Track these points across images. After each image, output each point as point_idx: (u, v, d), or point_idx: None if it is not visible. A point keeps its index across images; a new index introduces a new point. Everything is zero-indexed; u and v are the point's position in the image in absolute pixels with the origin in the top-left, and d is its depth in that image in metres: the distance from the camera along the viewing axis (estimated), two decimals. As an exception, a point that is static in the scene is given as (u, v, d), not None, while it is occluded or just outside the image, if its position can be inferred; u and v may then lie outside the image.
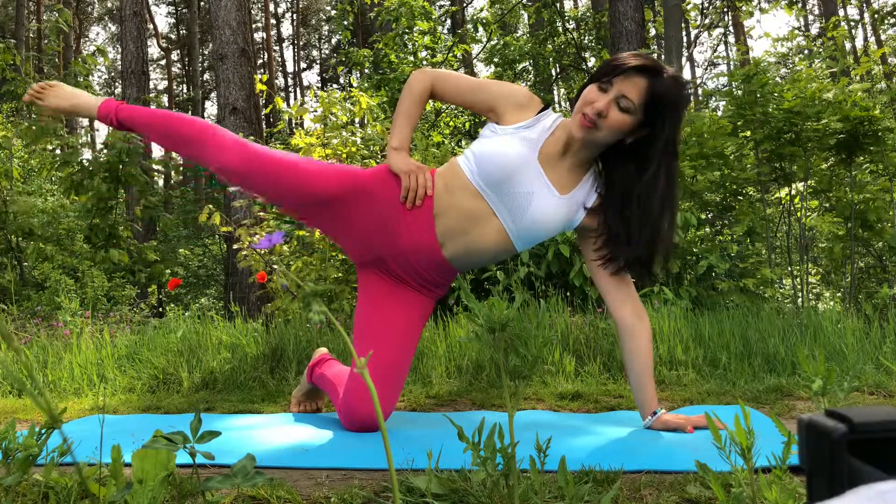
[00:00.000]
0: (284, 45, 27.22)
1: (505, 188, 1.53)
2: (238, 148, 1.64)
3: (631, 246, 1.55)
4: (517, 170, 1.52)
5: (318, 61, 28.45)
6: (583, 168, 1.59)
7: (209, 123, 1.74)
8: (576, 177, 1.58)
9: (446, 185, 1.58)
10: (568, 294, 3.56)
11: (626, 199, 1.55)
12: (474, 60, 11.76)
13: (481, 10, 10.09)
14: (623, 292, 1.61)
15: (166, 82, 24.81)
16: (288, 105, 4.53)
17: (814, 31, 18.99)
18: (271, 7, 24.93)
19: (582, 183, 1.58)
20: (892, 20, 15.08)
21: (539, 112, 1.59)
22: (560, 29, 9.57)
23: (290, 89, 27.06)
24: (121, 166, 5.21)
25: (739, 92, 3.94)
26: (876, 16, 14.77)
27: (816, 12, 19.35)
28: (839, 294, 4.86)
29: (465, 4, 12.80)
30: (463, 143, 8.35)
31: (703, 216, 4.11)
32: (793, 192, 4.14)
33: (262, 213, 4.11)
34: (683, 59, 6.84)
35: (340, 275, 3.59)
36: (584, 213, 1.59)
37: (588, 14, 10.50)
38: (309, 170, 1.62)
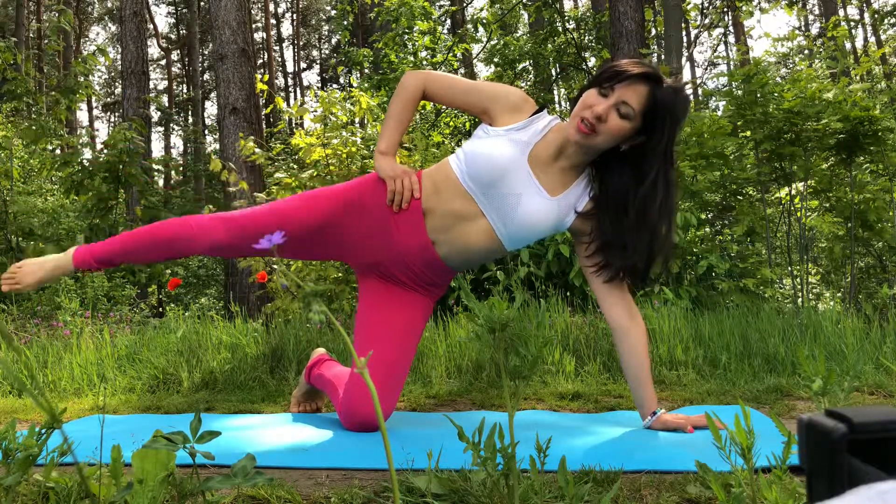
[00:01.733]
0: (284, 45, 27.22)
1: (494, 189, 1.53)
2: (220, 224, 1.65)
3: (627, 254, 1.55)
4: (506, 171, 1.52)
5: (318, 61, 28.46)
6: (575, 171, 1.59)
7: (180, 218, 1.73)
8: (567, 179, 1.58)
9: (435, 184, 1.59)
10: (568, 294, 3.56)
11: (622, 206, 1.54)
12: (474, 60, 11.76)
13: (481, 10, 10.09)
14: (616, 293, 1.61)
15: (166, 82, 24.82)
16: (288, 105, 4.53)
17: (814, 31, 18.99)
18: (271, 7, 24.94)
19: (574, 186, 1.58)
20: (892, 20, 15.08)
21: (533, 114, 1.59)
22: (560, 29, 9.57)
23: (290, 89, 27.07)
24: (121, 166, 5.21)
25: (739, 92, 3.94)
26: (876, 16, 14.77)
27: (816, 12, 19.36)
28: (839, 294, 4.86)
29: (465, 4, 12.80)
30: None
31: (703, 216, 4.11)
32: (793, 192, 4.14)
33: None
34: (683, 59, 6.85)
35: (340, 275, 3.60)
36: (574, 215, 1.59)
37: (588, 14, 10.50)
38: (293, 207, 1.64)
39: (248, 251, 1.70)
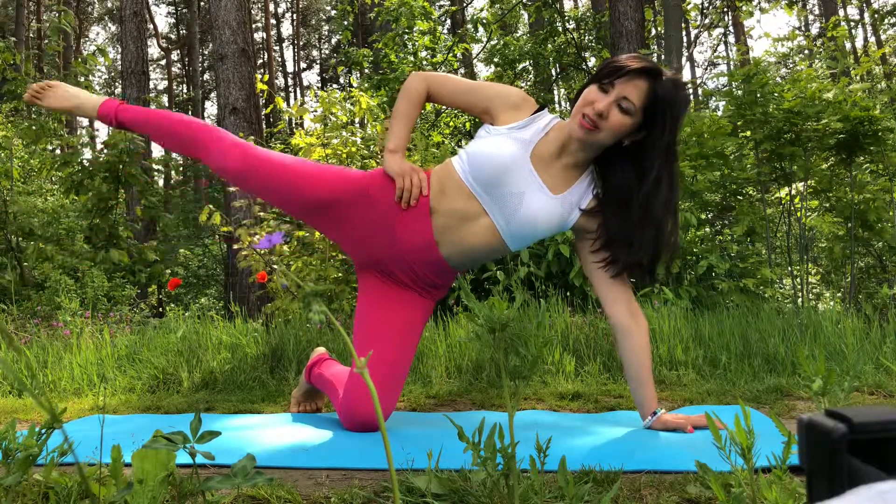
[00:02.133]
0: (284, 45, 27.22)
1: (497, 188, 1.53)
2: (238, 150, 1.67)
3: (634, 249, 1.55)
4: (509, 170, 1.52)
5: (318, 61, 28.46)
6: (578, 169, 1.59)
7: (209, 125, 1.75)
8: (570, 177, 1.58)
9: (441, 184, 1.59)
10: (568, 294, 3.56)
11: (626, 202, 1.55)
12: (474, 60, 11.76)
13: (481, 10, 10.08)
14: (618, 292, 1.61)
15: (166, 82, 24.82)
16: (288, 105, 4.53)
17: (814, 31, 18.99)
18: (271, 7, 24.94)
19: (577, 184, 1.58)
20: (893, 20, 15.08)
21: (534, 113, 1.59)
22: (560, 29, 9.57)
23: (290, 89, 27.07)
24: (121, 166, 5.21)
25: (739, 92, 3.94)
26: (876, 16, 14.77)
27: (816, 12, 19.35)
28: (839, 294, 4.86)
29: (465, 4, 12.80)
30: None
31: (703, 216, 4.11)
32: (793, 192, 4.14)
33: (262, 213, 4.11)
34: (683, 59, 6.85)
35: (340, 275, 3.59)
36: (578, 213, 1.59)
37: (588, 14, 10.50)
38: (307, 173, 1.64)
39: (248, 188, 1.71)
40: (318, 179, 1.64)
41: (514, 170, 1.53)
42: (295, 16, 27.05)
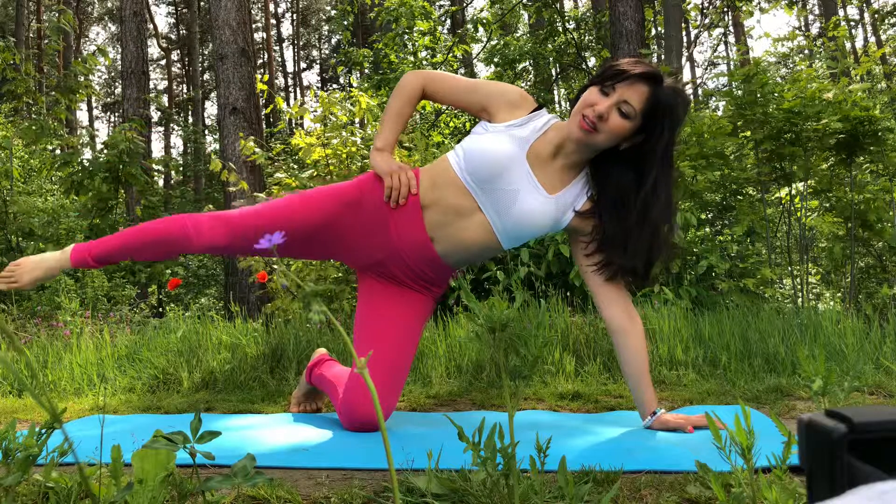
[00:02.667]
0: (284, 45, 27.22)
1: (491, 185, 1.53)
2: (218, 224, 1.64)
3: (628, 254, 1.55)
4: (505, 167, 1.52)
5: (318, 61, 28.46)
6: (574, 170, 1.59)
7: (179, 216, 1.72)
8: (566, 178, 1.58)
9: (433, 180, 1.59)
10: (568, 294, 3.56)
11: (622, 206, 1.54)
12: (474, 60, 11.76)
13: (481, 10, 10.08)
14: (613, 293, 1.61)
15: (166, 82, 24.82)
16: (288, 105, 4.53)
17: (814, 31, 18.99)
18: (271, 7, 24.93)
19: (572, 185, 1.58)
20: (893, 20, 15.08)
21: (532, 112, 1.59)
22: (560, 29, 9.57)
23: (290, 89, 27.07)
24: (121, 166, 5.21)
25: (739, 92, 3.94)
26: (876, 16, 14.77)
27: (816, 12, 19.35)
28: (839, 294, 4.86)
29: (465, 4, 12.80)
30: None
31: (703, 216, 4.11)
32: (793, 192, 4.14)
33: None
34: (683, 59, 6.84)
35: (340, 275, 3.59)
36: (572, 214, 1.59)
37: (588, 14, 10.50)
38: (292, 207, 1.63)
39: (246, 251, 1.70)
40: (307, 206, 1.63)
41: (510, 167, 1.53)
42: (295, 16, 27.05)
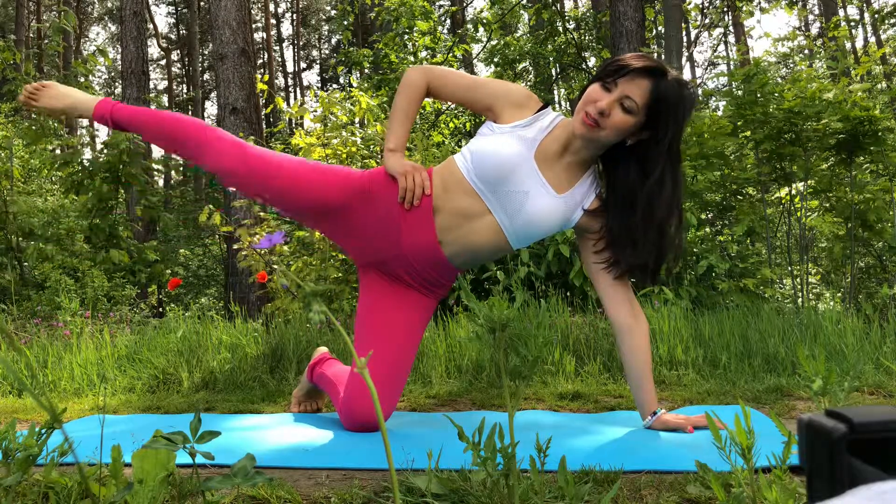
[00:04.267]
0: (284, 45, 27.22)
1: (500, 187, 1.52)
2: (237, 150, 1.63)
3: (637, 251, 1.54)
4: (513, 168, 1.52)
5: (318, 61, 28.46)
6: (581, 168, 1.58)
7: (207, 124, 1.72)
8: (573, 176, 1.57)
9: (443, 183, 1.58)
10: (568, 294, 3.56)
11: (630, 202, 1.54)
12: (474, 60, 11.76)
13: (481, 10, 10.08)
14: (620, 293, 1.61)
15: (166, 82, 24.82)
16: (288, 105, 4.53)
17: (814, 31, 18.99)
18: (271, 7, 24.93)
19: (580, 183, 1.58)
20: (893, 20, 15.07)
21: (537, 111, 1.58)
22: (560, 29, 9.57)
23: (290, 89, 27.07)
24: (121, 166, 5.21)
25: (739, 92, 3.93)
26: (876, 16, 14.77)
27: (816, 12, 19.35)
28: (839, 294, 4.86)
29: (465, 4, 12.80)
30: (463, 142, 8.35)
31: (703, 216, 4.11)
32: (793, 192, 4.14)
33: (262, 213, 4.11)
34: (683, 59, 6.84)
35: (340, 275, 3.59)
36: (581, 212, 1.58)
37: (588, 14, 10.50)
38: (307, 175, 1.61)
39: (246, 189, 1.66)
40: (320, 181, 1.61)
41: (518, 168, 1.52)
42: (295, 16, 27.05)
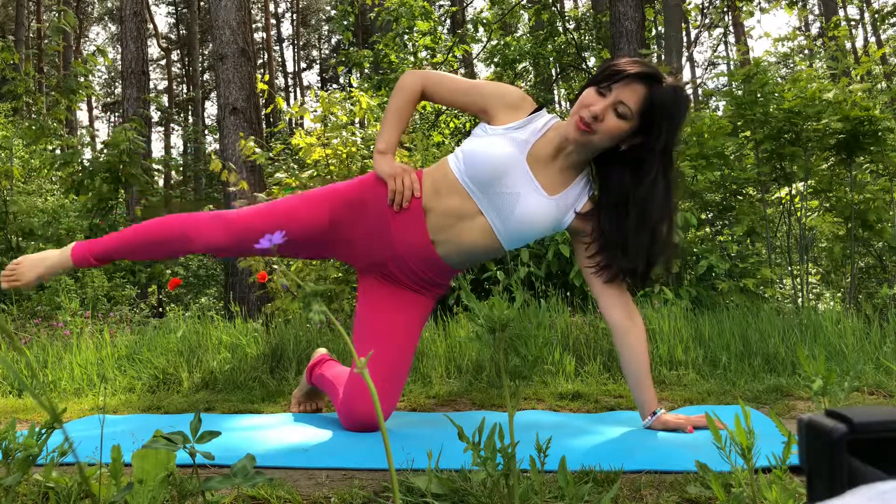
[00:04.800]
0: (284, 45, 27.22)
1: (492, 188, 1.53)
2: (219, 223, 1.64)
3: (628, 256, 1.54)
4: (505, 170, 1.52)
5: (318, 61, 28.46)
6: (574, 171, 1.58)
7: (179, 216, 1.72)
8: (566, 179, 1.57)
9: (434, 183, 1.58)
10: (568, 294, 3.56)
11: (622, 206, 1.54)
12: (474, 60, 11.76)
13: (481, 11, 10.08)
14: (615, 293, 1.61)
15: (166, 82, 24.82)
16: (288, 105, 4.53)
17: (814, 31, 18.99)
18: (271, 7, 24.93)
19: (573, 185, 1.58)
20: (893, 20, 15.07)
21: (532, 113, 1.59)
22: (560, 29, 9.57)
23: (290, 89, 27.07)
24: (121, 166, 5.21)
25: (739, 92, 3.93)
26: (876, 16, 14.77)
27: (816, 12, 19.35)
28: (839, 294, 4.86)
29: (465, 5, 12.80)
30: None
31: (703, 216, 4.11)
32: (793, 192, 4.14)
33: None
34: (683, 59, 6.85)
35: (340, 275, 3.59)
36: (573, 215, 1.58)
37: (588, 14, 10.50)
38: (293, 207, 1.63)
39: (247, 252, 1.70)
40: (308, 207, 1.63)
41: (510, 170, 1.52)
42: (295, 16, 27.05)
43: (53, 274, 1.80)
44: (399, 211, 1.57)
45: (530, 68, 11.42)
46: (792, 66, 16.09)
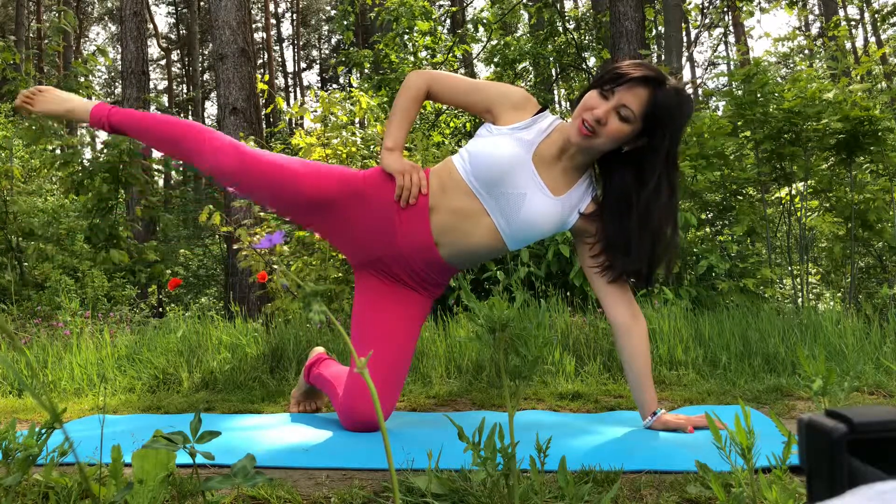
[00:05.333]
0: (284, 45, 27.22)
1: (498, 188, 1.53)
2: (233, 150, 1.64)
3: (630, 257, 1.55)
4: (511, 170, 1.52)
5: (318, 61, 28.46)
6: (578, 171, 1.59)
7: (203, 126, 1.72)
8: (570, 179, 1.58)
9: (441, 183, 1.58)
10: (568, 294, 3.56)
11: (625, 208, 1.54)
12: (474, 60, 11.76)
13: (481, 10, 10.08)
14: (618, 293, 1.61)
15: (166, 82, 24.82)
16: (288, 105, 4.53)
17: (814, 31, 18.99)
18: (271, 7, 24.93)
19: (576, 186, 1.58)
20: (893, 20, 15.07)
21: (536, 113, 1.59)
22: (560, 29, 9.57)
23: (290, 89, 27.06)
24: (121, 166, 5.21)
25: (739, 92, 3.93)
26: (876, 16, 14.77)
27: (816, 12, 19.35)
28: (839, 294, 4.86)
29: (465, 4, 12.80)
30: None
31: (703, 216, 4.11)
32: (793, 192, 4.14)
33: (262, 213, 4.11)
34: (683, 59, 6.84)
35: (340, 275, 3.59)
36: (577, 216, 1.59)
37: (588, 14, 10.50)
38: (304, 173, 1.62)
39: (242, 189, 1.67)
40: (316, 179, 1.62)
41: (516, 171, 1.53)
42: (295, 16, 27.05)
43: (67, 118, 1.82)
44: (405, 207, 1.57)
45: (530, 68, 11.43)
46: (792, 66, 16.09)
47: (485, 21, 9.48)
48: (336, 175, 1.64)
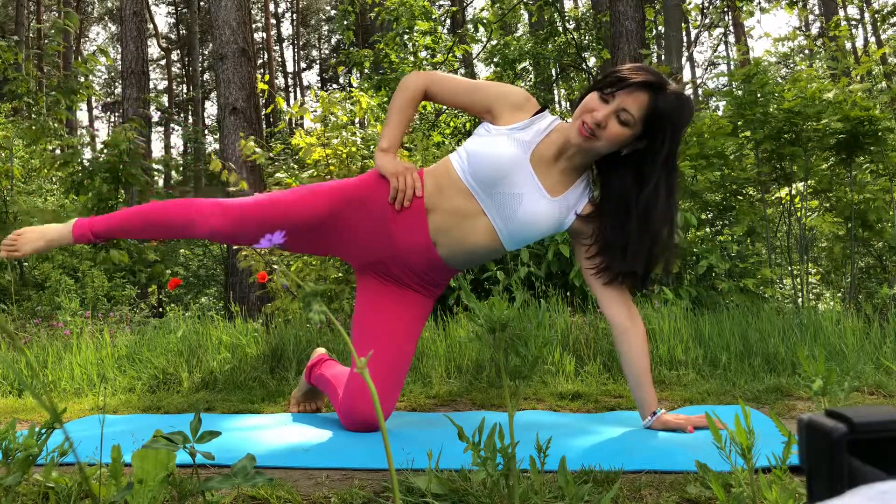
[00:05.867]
0: (284, 45, 27.22)
1: (496, 188, 1.53)
2: (219, 209, 1.64)
3: (627, 258, 1.55)
4: (509, 170, 1.52)
5: (318, 61, 28.46)
6: (576, 173, 1.59)
7: (182, 200, 1.72)
8: (568, 180, 1.58)
9: (437, 183, 1.58)
10: (568, 294, 3.56)
11: (624, 210, 1.54)
12: (474, 60, 11.76)
13: (481, 10, 10.08)
14: (615, 294, 1.61)
15: (166, 82, 24.82)
16: (288, 105, 4.53)
17: (814, 31, 18.99)
18: (271, 7, 24.93)
19: (574, 187, 1.58)
20: (893, 20, 15.07)
21: (535, 114, 1.59)
22: (560, 29, 9.57)
23: (290, 89, 27.06)
24: (121, 166, 5.21)
25: (739, 92, 3.93)
26: (876, 16, 14.77)
27: (817, 12, 19.35)
28: (839, 294, 4.86)
29: (465, 4, 12.80)
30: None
31: (703, 216, 4.11)
32: (793, 192, 4.14)
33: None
34: (683, 59, 6.84)
35: (340, 275, 3.59)
36: (574, 217, 1.59)
37: (588, 14, 10.50)
38: (292, 201, 1.63)
39: (247, 240, 1.68)
40: (304, 202, 1.62)
41: (514, 171, 1.53)
42: (295, 16, 27.05)
43: (52, 247, 1.82)
44: (400, 210, 1.57)
45: (530, 68, 11.43)
46: (792, 66, 16.09)
47: (485, 21, 9.47)
48: (325, 190, 1.64)
